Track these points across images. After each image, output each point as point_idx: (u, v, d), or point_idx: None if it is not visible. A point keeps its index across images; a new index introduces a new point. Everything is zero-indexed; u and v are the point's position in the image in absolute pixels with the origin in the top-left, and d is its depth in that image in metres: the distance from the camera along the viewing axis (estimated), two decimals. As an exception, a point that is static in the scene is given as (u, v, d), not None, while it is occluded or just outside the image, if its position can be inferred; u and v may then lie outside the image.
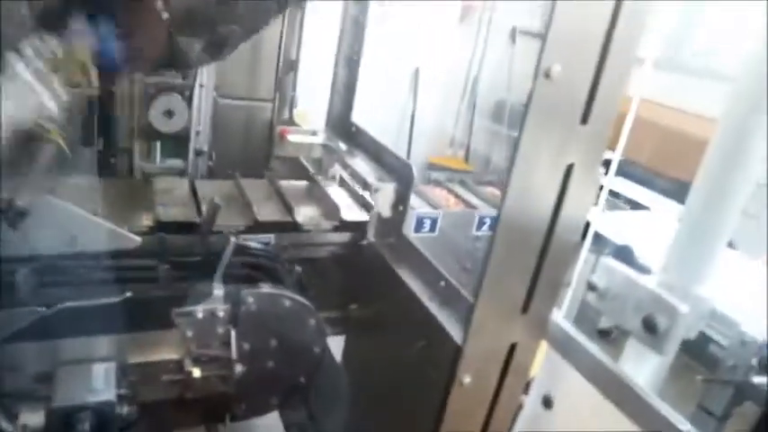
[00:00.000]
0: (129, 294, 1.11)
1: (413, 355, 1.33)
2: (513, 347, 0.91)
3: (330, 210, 1.66)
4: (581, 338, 0.92)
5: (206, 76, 1.97)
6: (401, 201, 1.51)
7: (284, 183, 1.81)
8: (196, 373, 1.21)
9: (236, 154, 2.43)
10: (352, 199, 1.76)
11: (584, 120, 0.76)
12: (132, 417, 1.11)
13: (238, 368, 1.24)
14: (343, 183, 1.81)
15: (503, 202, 0.79)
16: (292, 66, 2.40)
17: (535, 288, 0.87)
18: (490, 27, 4.49)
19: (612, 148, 1.15)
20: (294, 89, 2.42)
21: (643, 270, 1.98)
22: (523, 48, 4.48)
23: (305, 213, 1.62)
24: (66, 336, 1.14)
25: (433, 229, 1.68)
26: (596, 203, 1.06)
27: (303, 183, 1.89)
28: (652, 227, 2.61)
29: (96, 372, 1.14)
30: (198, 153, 2.06)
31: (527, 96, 0.71)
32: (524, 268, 0.85)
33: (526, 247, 0.84)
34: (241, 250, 1.39)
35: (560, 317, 1.05)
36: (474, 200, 3.26)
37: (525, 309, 0.87)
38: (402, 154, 4.41)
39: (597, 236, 2.25)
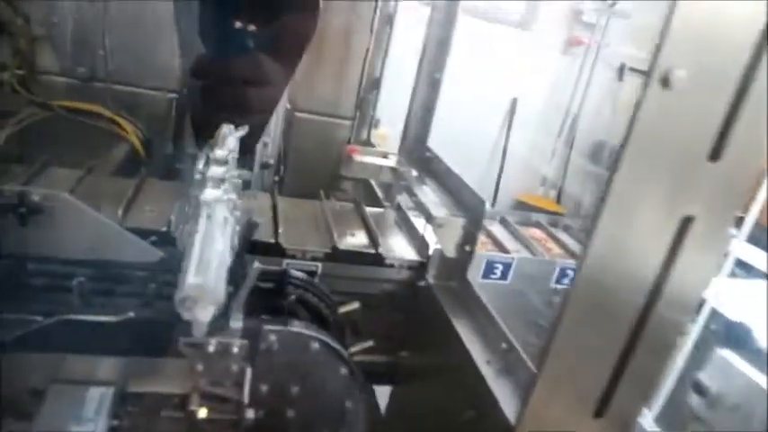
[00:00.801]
0: (131, 315, 0.96)
1: (460, 423, 1.10)
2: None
3: (418, 244, 1.47)
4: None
5: (279, 86, 1.86)
6: (468, 240, 1.30)
7: (369, 209, 1.63)
8: (201, 413, 1.04)
9: (308, 171, 2.31)
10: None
11: (716, 155, 0.53)
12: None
13: (250, 413, 1.06)
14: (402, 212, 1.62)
15: (582, 259, 0.57)
16: (375, 84, 2.26)
17: (617, 384, 0.62)
18: (596, 62, 4.16)
19: (746, 204, 0.88)
20: (374, 108, 2.27)
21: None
22: (631, 87, 4.11)
23: (389, 245, 1.43)
24: (66, 350, 1.01)
25: (504, 276, 1.44)
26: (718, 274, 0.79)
27: (382, 210, 1.71)
28: None
29: (90, 396, 1.00)
30: (264, 166, 1.95)
31: (632, 112, 0.48)
32: (605, 355, 0.61)
33: (611, 325, 0.60)
34: (281, 279, 1.23)
35: (649, 421, 0.79)
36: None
37: (600, 412, 0.63)
38: (489, 189, 4.22)
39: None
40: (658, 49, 0.46)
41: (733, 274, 2.49)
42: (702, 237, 0.57)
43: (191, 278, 0.69)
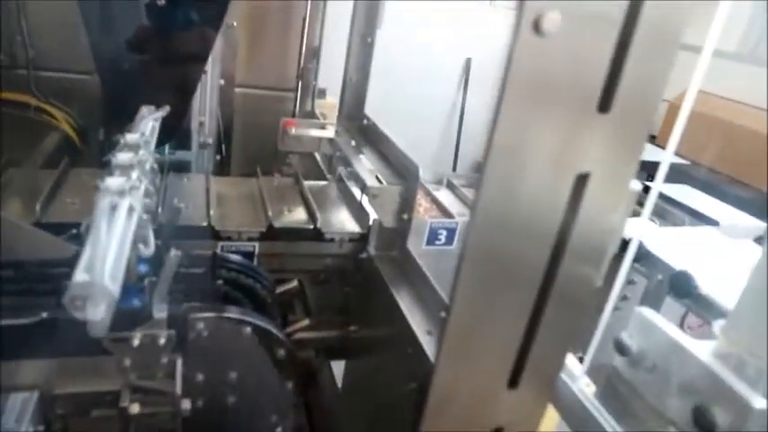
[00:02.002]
0: (44, 315, 0.91)
1: (405, 394, 1.08)
2: (497, 433, 0.64)
3: (358, 216, 1.42)
4: (604, 421, 0.64)
5: (210, 62, 1.77)
6: (406, 208, 1.26)
7: (309, 183, 1.58)
8: (134, 408, 1.00)
9: (253, 147, 2.25)
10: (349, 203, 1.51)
11: (604, 106, 0.49)
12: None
13: (186, 404, 1.02)
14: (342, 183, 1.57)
15: (473, 216, 0.53)
16: (315, 53, 2.19)
17: (528, 351, 0.60)
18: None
19: (661, 143, 0.85)
20: (316, 78, 2.21)
21: (708, 309, 1.63)
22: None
23: (327, 220, 1.39)
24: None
25: (450, 241, 1.41)
26: (633, 215, 0.77)
27: (324, 183, 1.66)
28: (720, 249, 2.17)
29: (11, 404, 0.96)
30: (202, 146, 1.87)
31: (506, 61, 0.44)
32: (512, 320, 0.58)
33: (514, 287, 0.57)
34: (212, 263, 1.18)
35: (580, 377, 0.77)
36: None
37: (514, 382, 0.61)
38: (450, 153, 4.17)
39: (646, 256, 1.88)
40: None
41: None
42: (601, 192, 0.54)
43: (78, 276, 0.64)
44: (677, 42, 0.51)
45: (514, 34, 0.43)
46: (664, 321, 0.66)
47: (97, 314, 0.64)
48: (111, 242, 0.71)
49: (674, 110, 0.54)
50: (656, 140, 2.84)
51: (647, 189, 1.18)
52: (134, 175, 0.95)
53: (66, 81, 2.02)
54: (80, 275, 0.65)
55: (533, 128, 0.49)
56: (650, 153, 0.69)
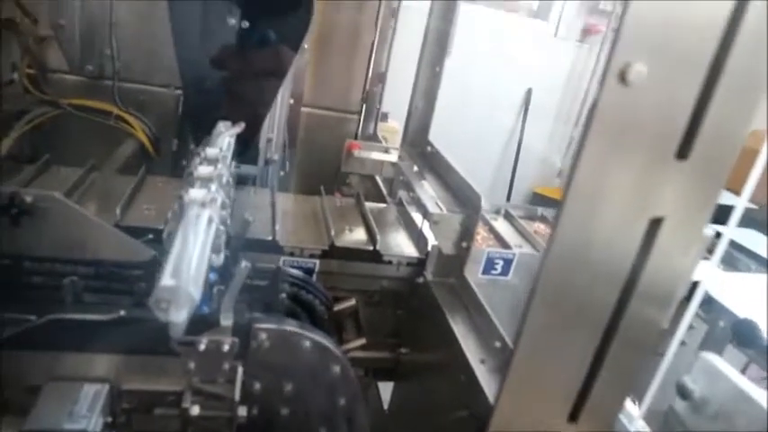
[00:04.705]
0: (122, 313, 0.97)
1: (454, 421, 1.09)
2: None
3: (417, 240, 1.46)
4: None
5: (282, 81, 1.85)
6: (465, 236, 1.28)
7: (369, 205, 1.63)
8: (194, 410, 1.04)
9: (315, 166, 2.32)
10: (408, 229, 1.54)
11: (683, 153, 0.50)
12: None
13: (242, 411, 1.06)
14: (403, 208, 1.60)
15: (547, 253, 0.55)
16: (381, 78, 2.25)
17: (592, 386, 0.60)
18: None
19: (736, 190, 0.85)
20: (381, 102, 2.26)
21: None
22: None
23: (387, 242, 1.43)
24: (61, 348, 1.02)
25: (505, 272, 1.42)
26: (707, 258, 0.77)
27: (384, 206, 1.70)
28: None
29: (84, 394, 1.01)
30: (267, 162, 1.95)
31: (590, 109, 0.46)
32: (577, 355, 0.59)
33: (581, 324, 0.59)
34: (275, 277, 1.23)
35: (636, 419, 0.77)
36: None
37: (575, 416, 0.61)
38: (505, 183, 4.17)
39: (708, 302, 1.82)
40: (614, 41, 0.44)
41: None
42: (674, 237, 0.54)
43: (164, 281, 0.69)
44: (762, 89, 0.52)
45: (601, 83, 0.46)
46: (729, 368, 0.65)
47: (180, 317, 0.69)
48: (196, 250, 0.76)
49: (745, 152, 0.54)
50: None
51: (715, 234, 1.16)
52: (213, 187, 1.00)
53: (145, 93, 2.14)
54: (167, 280, 0.69)
55: (612, 173, 0.50)
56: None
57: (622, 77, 0.45)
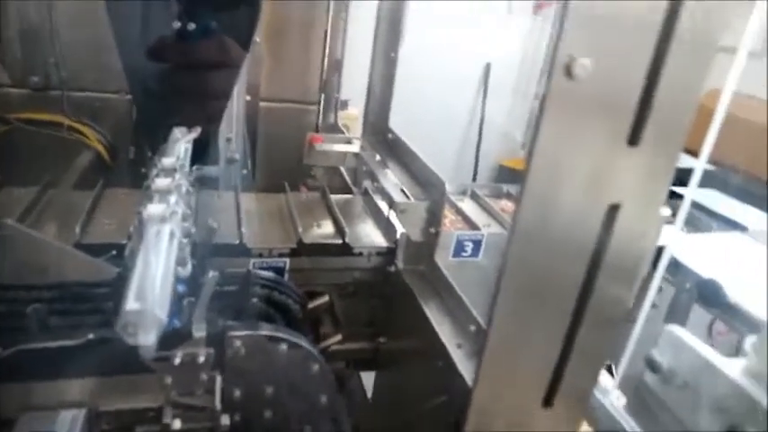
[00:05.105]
0: (90, 337, 0.95)
1: (435, 407, 1.11)
2: (531, 452, 0.66)
3: (385, 230, 1.46)
4: (635, 436, 0.66)
5: (235, 78, 1.81)
6: (433, 222, 1.28)
7: (335, 197, 1.61)
8: (176, 424, 1.04)
9: (278, 161, 2.29)
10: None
11: (633, 140, 0.51)
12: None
13: (225, 419, 1.06)
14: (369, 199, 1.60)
15: (510, 242, 0.55)
16: (337, 66, 2.22)
17: (563, 370, 0.62)
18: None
19: (694, 151, 0.86)
20: (339, 91, 2.24)
21: (737, 318, 1.62)
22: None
23: (355, 234, 1.42)
24: (33, 378, 1.00)
25: (475, 253, 1.43)
26: (670, 222, 0.79)
27: (350, 197, 1.70)
28: (749, 255, 2.14)
29: (61, 421, 1.00)
30: (229, 161, 1.91)
31: (540, 99, 0.46)
32: (548, 338, 0.60)
33: (550, 307, 0.60)
34: (245, 281, 1.22)
35: (611, 390, 0.79)
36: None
37: (549, 401, 0.63)
38: (471, 158, 4.19)
39: (673, 264, 1.86)
40: (557, 37, 0.44)
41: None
42: (632, 222, 0.55)
43: (129, 304, 0.68)
44: (712, 49, 0.52)
45: (548, 77, 0.46)
46: (694, 339, 0.67)
47: (148, 340, 0.68)
48: (158, 270, 0.75)
49: (702, 111, 0.54)
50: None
51: (674, 195, 1.18)
52: (172, 199, 0.98)
53: (96, 100, 2.08)
54: (132, 304, 0.68)
55: (567, 160, 0.51)
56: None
57: (568, 71, 0.46)
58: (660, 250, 0.96)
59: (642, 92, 0.50)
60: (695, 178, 0.93)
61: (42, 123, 1.96)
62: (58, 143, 1.98)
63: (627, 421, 0.80)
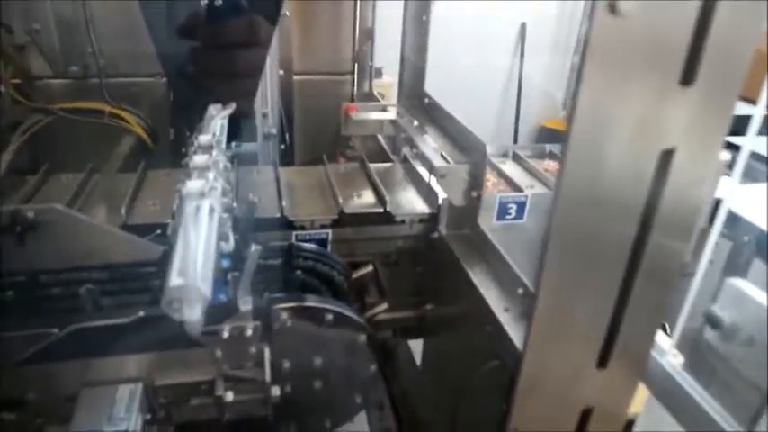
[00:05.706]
0: (141, 314, 0.97)
1: (486, 372, 1.09)
2: (586, 414, 0.64)
3: (427, 196, 1.44)
4: (697, 395, 0.63)
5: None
6: (474, 185, 1.25)
7: (374, 166, 1.60)
8: (228, 396, 1.06)
9: (316, 133, 2.28)
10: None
11: (687, 79, 0.47)
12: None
13: (275, 390, 1.07)
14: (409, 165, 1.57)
15: (556, 200, 0.52)
16: (369, 34, 2.18)
17: (618, 330, 0.59)
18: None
19: (752, 99, 0.80)
20: (372, 59, 2.20)
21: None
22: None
23: (396, 202, 1.41)
24: (89, 355, 1.03)
25: (520, 215, 1.40)
26: (727, 174, 0.74)
27: (389, 165, 1.68)
28: None
29: (120, 395, 1.03)
30: (266, 137, 1.92)
31: (582, 45, 0.43)
32: (598, 297, 0.58)
33: (602, 265, 0.57)
34: (288, 254, 1.22)
35: (668, 350, 0.76)
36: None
37: (603, 361, 0.60)
38: (511, 121, 4.10)
39: (730, 217, 1.77)
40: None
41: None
42: (688, 168, 0.52)
43: (172, 281, 0.68)
44: (762, 10, 0.48)
45: (590, 17, 0.42)
46: (757, 291, 0.63)
47: (193, 314, 0.68)
48: (199, 245, 0.75)
49: (760, 58, 0.50)
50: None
51: (730, 146, 1.12)
52: (210, 176, 0.98)
53: (134, 85, 2.10)
54: (175, 280, 0.68)
55: (614, 107, 0.48)
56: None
57: (612, 8, 0.42)
58: (717, 203, 0.90)
59: (696, 24, 0.46)
60: (754, 126, 0.86)
61: (84, 111, 2.00)
62: (100, 130, 2.02)
63: (686, 380, 0.77)
